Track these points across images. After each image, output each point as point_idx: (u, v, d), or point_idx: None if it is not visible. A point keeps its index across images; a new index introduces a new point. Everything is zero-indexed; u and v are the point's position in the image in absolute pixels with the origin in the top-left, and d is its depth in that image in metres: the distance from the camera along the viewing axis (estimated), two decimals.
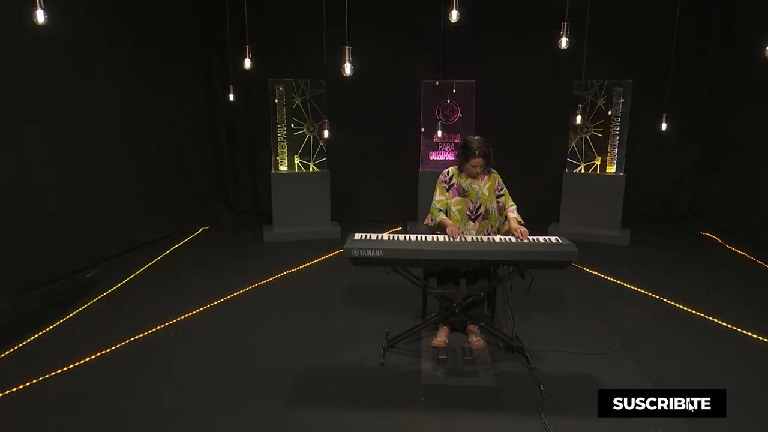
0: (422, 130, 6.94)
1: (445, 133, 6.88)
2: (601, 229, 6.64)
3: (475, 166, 3.67)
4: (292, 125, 6.59)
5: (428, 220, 3.88)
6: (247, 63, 4.65)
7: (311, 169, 6.73)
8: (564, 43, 3.72)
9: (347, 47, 3.36)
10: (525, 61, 7.06)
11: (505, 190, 3.87)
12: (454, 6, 3.23)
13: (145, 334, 3.95)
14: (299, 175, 6.68)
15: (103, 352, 3.66)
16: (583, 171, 6.78)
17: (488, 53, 7.16)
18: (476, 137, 3.72)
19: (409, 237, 3.45)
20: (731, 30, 6.80)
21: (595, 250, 6.16)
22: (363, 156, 7.52)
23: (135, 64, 5.99)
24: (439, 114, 6.87)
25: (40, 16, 3.10)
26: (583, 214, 6.73)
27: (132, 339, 3.86)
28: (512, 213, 3.80)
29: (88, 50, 5.33)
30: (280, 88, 6.49)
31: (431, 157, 6.95)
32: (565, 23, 3.68)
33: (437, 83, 6.84)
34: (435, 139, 6.89)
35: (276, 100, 6.51)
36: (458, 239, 3.41)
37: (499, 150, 7.09)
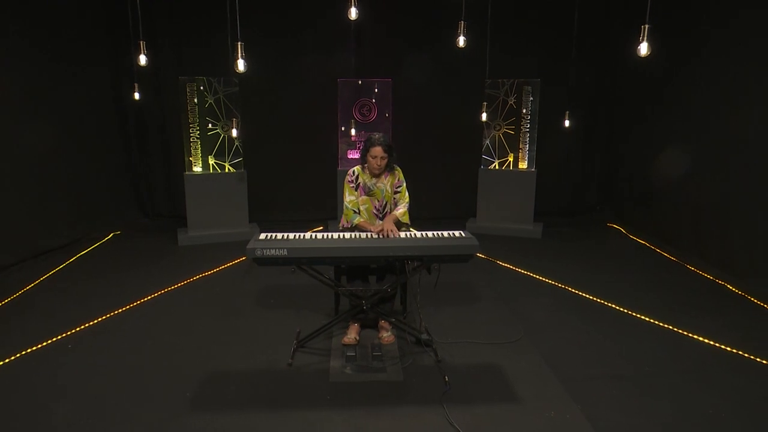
0: (342, 129, 6.94)
1: (363, 132, 6.91)
2: (515, 223, 6.87)
3: (376, 157, 3.70)
4: (210, 125, 6.41)
5: (343, 222, 3.88)
6: (143, 59, 4.48)
7: (227, 170, 6.57)
8: (462, 41, 3.81)
9: (239, 43, 3.30)
10: (438, 60, 7.20)
11: (403, 187, 3.92)
12: (353, 3, 3.24)
13: (40, 346, 3.72)
14: (214, 175, 6.51)
15: None
16: (497, 167, 6.99)
17: (401, 52, 7.24)
18: (378, 133, 3.79)
19: (315, 235, 3.43)
20: (628, 27, 7.20)
21: (509, 244, 6.38)
22: (282, 155, 7.43)
23: (36, 62, 5.67)
24: (356, 112, 6.89)
25: None
26: (498, 209, 6.94)
27: (25, 352, 3.63)
28: (397, 210, 3.84)
29: None
30: (200, 87, 6.28)
31: (350, 156, 6.95)
32: (462, 23, 3.77)
33: (360, 82, 6.84)
34: (353, 138, 6.90)
35: (195, 100, 6.29)
36: (381, 236, 3.42)
37: (417, 148, 7.31)
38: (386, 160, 3.75)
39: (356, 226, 3.77)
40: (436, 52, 7.14)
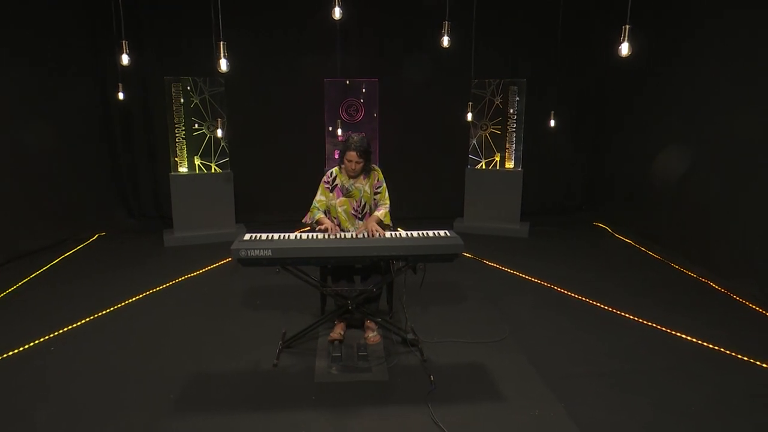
0: (329, 129, 6.93)
1: (350, 132, 6.89)
2: (502, 222, 6.90)
3: (351, 161, 3.71)
4: (195, 125, 6.37)
5: (307, 219, 3.90)
6: (125, 59, 4.45)
7: (213, 170, 6.54)
8: (446, 42, 3.82)
9: (222, 43, 3.29)
10: (426, 60, 7.19)
11: (383, 188, 3.92)
12: (337, 3, 3.24)
13: (24, 348, 3.68)
14: (200, 176, 6.47)
15: None
16: (484, 167, 7.01)
17: (389, 52, 7.25)
18: (358, 135, 3.77)
19: (300, 236, 3.43)
20: (614, 27, 7.25)
21: (496, 243, 6.41)
22: (269, 156, 7.42)
23: (20, 63, 5.63)
24: (343, 112, 6.88)
25: None
26: (485, 209, 6.96)
27: (7, 354, 3.58)
28: (378, 211, 3.84)
29: None
30: (186, 87, 6.24)
31: (337, 156, 6.94)
32: (447, 23, 3.77)
33: (347, 82, 6.83)
34: (340, 138, 6.89)
35: (180, 100, 6.25)
36: (339, 236, 3.42)
37: (404, 148, 7.33)
38: (361, 165, 3.75)
39: (317, 221, 3.78)
40: (424, 52, 7.14)
